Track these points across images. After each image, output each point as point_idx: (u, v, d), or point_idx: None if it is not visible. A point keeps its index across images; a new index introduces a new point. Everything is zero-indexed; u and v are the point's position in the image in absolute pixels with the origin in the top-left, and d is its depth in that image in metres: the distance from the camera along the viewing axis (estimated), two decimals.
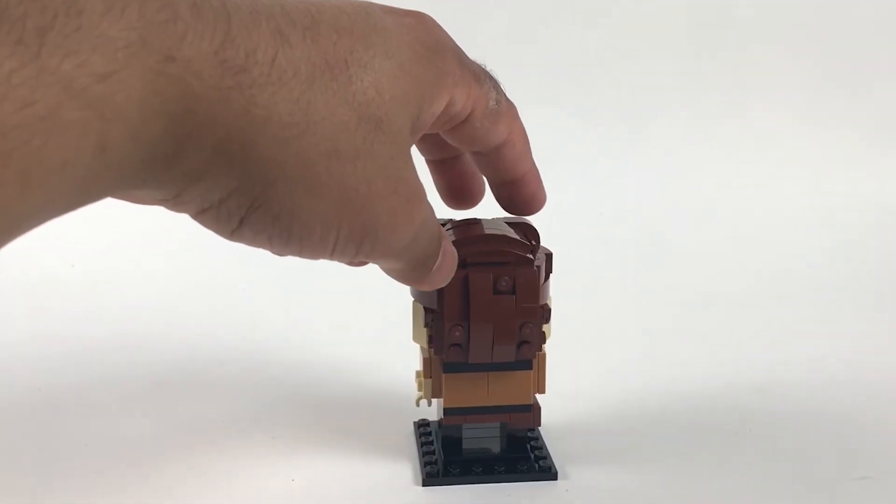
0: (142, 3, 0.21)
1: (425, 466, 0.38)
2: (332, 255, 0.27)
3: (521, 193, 0.35)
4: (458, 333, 0.35)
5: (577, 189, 0.81)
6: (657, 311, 0.63)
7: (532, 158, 0.35)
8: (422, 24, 0.29)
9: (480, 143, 0.33)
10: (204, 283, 0.67)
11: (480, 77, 0.31)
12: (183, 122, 0.22)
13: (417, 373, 0.39)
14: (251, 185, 0.24)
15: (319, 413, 0.45)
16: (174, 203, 0.24)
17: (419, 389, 0.39)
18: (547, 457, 0.39)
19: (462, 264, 0.34)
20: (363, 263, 0.33)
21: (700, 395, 0.47)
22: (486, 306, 0.35)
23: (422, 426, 0.42)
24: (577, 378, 0.47)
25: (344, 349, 0.53)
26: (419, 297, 0.36)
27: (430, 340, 0.36)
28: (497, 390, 0.37)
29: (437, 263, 0.31)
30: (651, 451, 0.41)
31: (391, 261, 0.29)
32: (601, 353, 0.54)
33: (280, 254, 0.27)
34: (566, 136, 0.85)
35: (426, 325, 0.36)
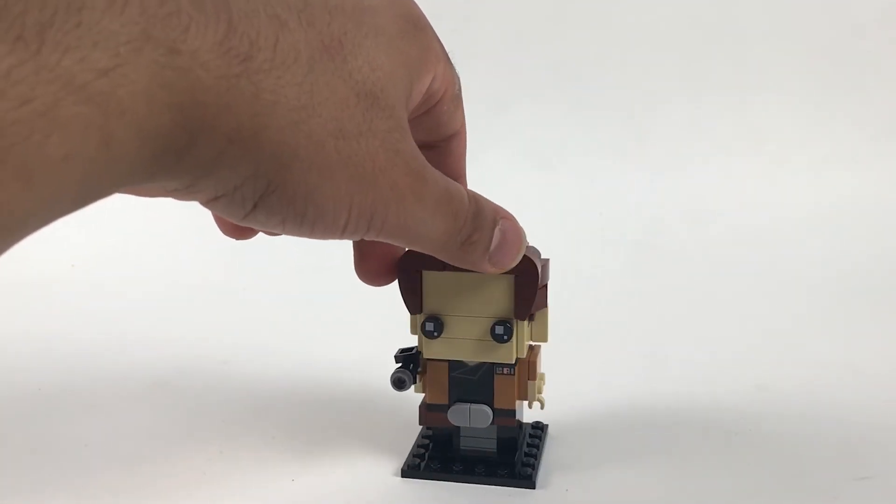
0: None
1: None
2: (342, 235, 0.27)
3: None
4: None
5: (577, 189, 0.81)
6: (657, 311, 0.63)
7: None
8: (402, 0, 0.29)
9: (443, 129, 0.33)
10: (204, 283, 0.67)
11: (449, 58, 0.31)
12: (193, 113, 0.22)
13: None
14: (266, 171, 0.24)
15: (318, 413, 0.45)
16: (186, 193, 0.24)
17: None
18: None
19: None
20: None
21: (700, 395, 0.47)
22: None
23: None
24: (577, 378, 0.47)
25: (343, 349, 0.53)
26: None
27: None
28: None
29: (495, 243, 0.31)
30: (651, 451, 0.41)
31: (412, 240, 0.29)
32: (601, 353, 0.54)
33: (290, 234, 0.27)
34: (566, 135, 0.85)
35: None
